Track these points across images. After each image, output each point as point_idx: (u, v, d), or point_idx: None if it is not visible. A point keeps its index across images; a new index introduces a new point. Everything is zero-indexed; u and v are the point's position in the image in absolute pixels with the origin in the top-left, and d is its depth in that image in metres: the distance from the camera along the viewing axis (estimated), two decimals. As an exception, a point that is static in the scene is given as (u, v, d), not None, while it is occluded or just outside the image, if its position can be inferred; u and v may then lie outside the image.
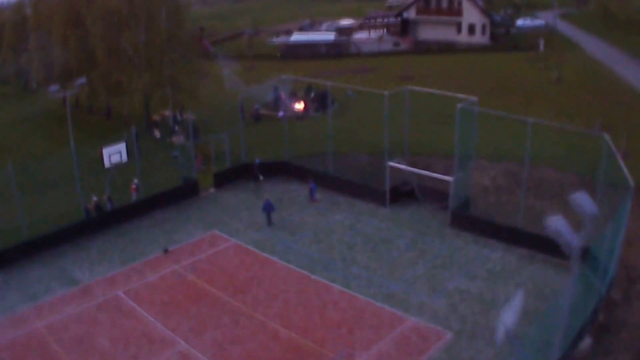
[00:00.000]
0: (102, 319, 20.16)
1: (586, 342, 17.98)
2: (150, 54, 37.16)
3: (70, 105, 34.55)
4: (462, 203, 25.52)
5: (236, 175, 30.89)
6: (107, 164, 25.95)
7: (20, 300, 21.41)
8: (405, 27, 68.99)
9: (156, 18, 37.39)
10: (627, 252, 22.20)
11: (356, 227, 25.73)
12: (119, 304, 21.00)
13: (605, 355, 17.75)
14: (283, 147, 31.77)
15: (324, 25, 77.90)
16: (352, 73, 55.19)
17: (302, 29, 76.64)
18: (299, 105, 42.11)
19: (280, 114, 38.52)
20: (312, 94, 42.55)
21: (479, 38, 64.54)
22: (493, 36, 66.29)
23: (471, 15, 64.51)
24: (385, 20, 71.91)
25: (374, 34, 70.16)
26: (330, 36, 67.28)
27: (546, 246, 22.65)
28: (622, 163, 20.99)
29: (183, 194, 29.01)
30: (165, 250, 24.19)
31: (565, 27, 71.99)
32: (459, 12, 64.98)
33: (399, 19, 69.76)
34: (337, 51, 66.17)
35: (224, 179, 30.48)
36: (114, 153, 25.75)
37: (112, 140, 36.40)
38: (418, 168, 27.24)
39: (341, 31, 72.18)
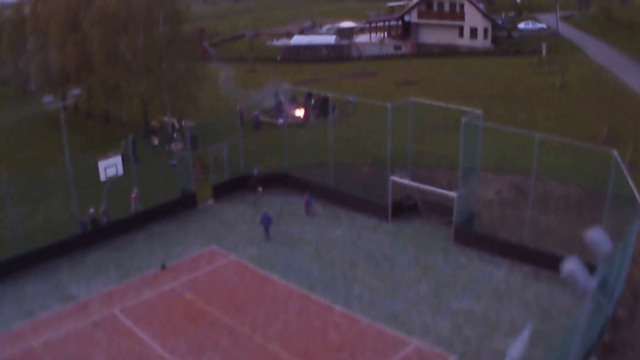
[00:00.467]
0: (99, 338, 19.69)
1: (592, 364, 17.55)
2: (148, 59, 36.63)
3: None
4: (466, 218, 25.04)
5: (235, 187, 30.36)
6: (102, 177, 25.45)
7: (16, 316, 21.00)
8: (406, 30, 68.46)
9: (155, 23, 36.88)
10: (633, 270, 21.78)
11: (358, 242, 25.22)
12: (116, 322, 20.52)
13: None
14: (283, 157, 31.25)
15: (325, 28, 77.40)
16: (354, 77, 54.72)
17: (302, 31, 76.09)
18: (300, 112, 41.60)
19: (280, 120, 38.00)
20: (313, 100, 42.01)
21: (481, 42, 64.04)
22: (495, 40, 65.80)
23: (473, 18, 64.00)
24: (387, 23, 71.42)
25: (375, 37, 69.68)
26: (331, 39, 66.74)
27: (551, 263, 22.35)
28: (630, 182, 20.53)
29: (181, 206, 28.49)
30: (163, 266, 23.70)
31: (567, 30, 71.53)
32: (460, 16, 64.48)
33: (401, 22, 69.27)
34: (338, 54, 65.71)
35: (222, 191, 29.96)
36: (110, 166, 25.25)
37: (110, 146, 36.09)
38: (421, 181, 26.75)
39: (342, 33, 71.69)
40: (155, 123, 41.10)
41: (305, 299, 21.39)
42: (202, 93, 39.92)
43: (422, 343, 18.86)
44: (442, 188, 26.17)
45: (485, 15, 64.31)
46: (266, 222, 25.85)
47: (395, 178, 26.30)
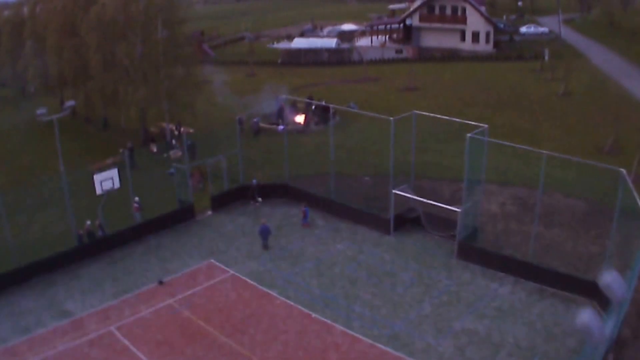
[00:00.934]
0: (95, 357, 19.31)
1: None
2: (146, 66, 36.12)
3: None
4: (469, 233, 24.58)
5: (234, 197, 29.89)
6: (98, 190, 24.96)
7: (12, 333, 20.62)
8: (408, 34, 67.94)
9: (153, 30, 36.37)
10: (637, 287, 21.35)
11: (359, 258, 24.72)
12: (112, 340, 20.08)
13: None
14: (283, 166, 30.76)
15: (326, 30, 76.90)
16: (355, 82, 54.26)
17: (303, 33, 75.56)
18: (300, 118, 41.15)
19: (281, 127, 37.52)
20: (313, 107, 41.54)
21: (482, 46, 63.60)
22: (497, 44, 65.31)
23: (475, 22, 63.56)
24: (388, 26, 70.93)
25: (376, 40, 69.18)
26: (332, 42, 66.23)
27: (556, 280, 21.99)
28: (638, 199, 20.03)
29: (178, 217, 28.01)
30: (160, 282, 23.23)
31: (568, 34, 71.04)
32: (462, 20, 64.03)
33: (402, 25, 68.76)
34: (339, 58, 65.22)
35: (221, 202, 29.48)
36: (106, 179, 24.77)
37: (108, 154, 35.69)
38: (424, 194, 26.28)
39: (343, 36, 71.17)
40: (153, 129, 40.63)
41: (305, 318, 20.91)
42: (201, 99, 39.48)
43: (425, 366, 18.43)
44: (446, 201, 25.72)
45: (487, 19, 63.82)
46: (264, 233, 25.46)
47: (398, 191, 25.82)
